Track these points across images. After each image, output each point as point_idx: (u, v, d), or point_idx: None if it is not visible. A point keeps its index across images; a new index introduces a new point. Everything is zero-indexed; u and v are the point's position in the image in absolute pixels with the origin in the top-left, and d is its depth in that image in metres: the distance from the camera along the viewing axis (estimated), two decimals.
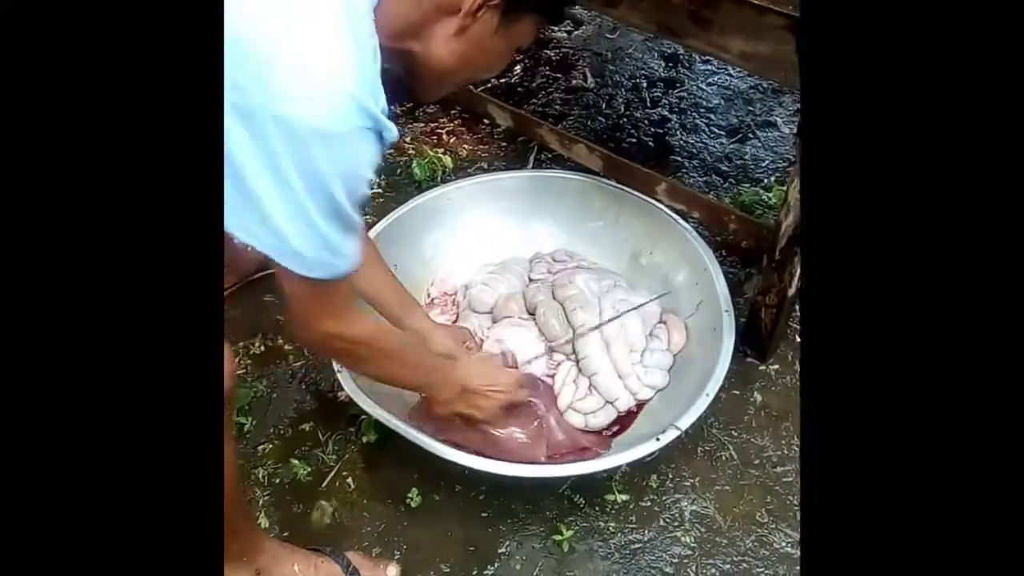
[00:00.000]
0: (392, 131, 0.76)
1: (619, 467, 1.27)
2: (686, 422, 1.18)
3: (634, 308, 1.36)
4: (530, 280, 1.50)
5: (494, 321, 1.43)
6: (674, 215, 1.44)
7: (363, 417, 1.32)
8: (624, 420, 1.32)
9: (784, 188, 1.37)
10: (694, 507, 1.26)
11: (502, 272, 1.49)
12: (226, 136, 0.70)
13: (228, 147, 0.71)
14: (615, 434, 1.31)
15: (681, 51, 2.16)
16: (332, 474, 1.30)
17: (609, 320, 1.35)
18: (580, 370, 1.34)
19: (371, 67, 0.74)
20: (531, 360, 1.35)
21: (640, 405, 1.33)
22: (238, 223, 0.76)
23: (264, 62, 0.69)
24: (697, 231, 1.43)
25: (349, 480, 1.30)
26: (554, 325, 1.37)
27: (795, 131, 1.22)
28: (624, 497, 1.27)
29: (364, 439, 1.33)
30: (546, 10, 0.89)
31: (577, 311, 1.36)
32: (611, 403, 1.31)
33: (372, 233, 1.39)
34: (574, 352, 1.35)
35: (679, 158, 1.87)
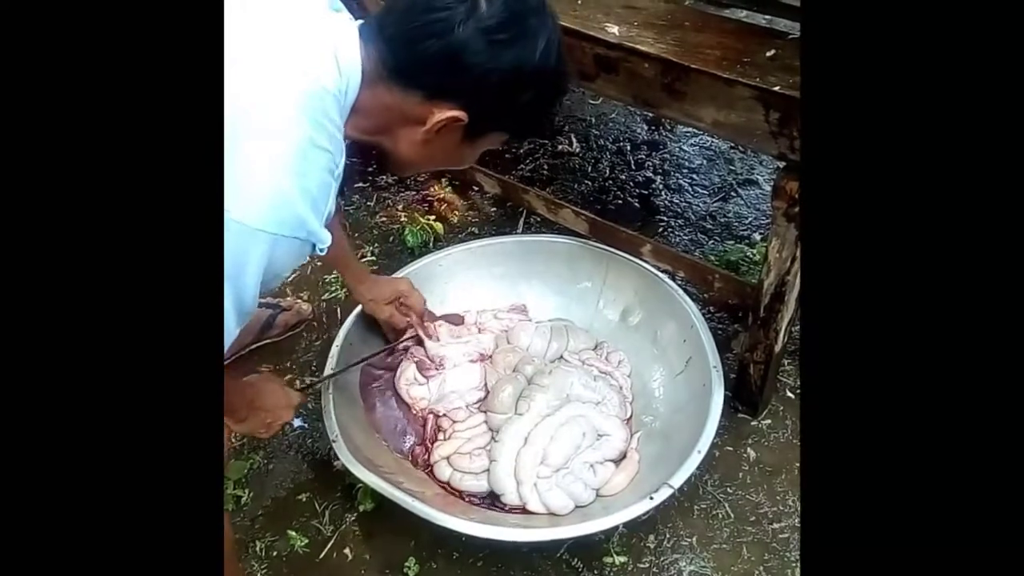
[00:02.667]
0: (325, 242, 0.80)
1: (616, 529, 1.28)
2: (679, 480, 1.18)
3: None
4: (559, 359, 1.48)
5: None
6: (660, 274, 1.48)
7: (359, 486, 1.33)
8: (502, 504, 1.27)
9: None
10: (692, 567, 1.26)
11: (552, 334, 1.50)
12: None
13: None
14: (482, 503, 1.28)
15: (659, 121, 2.23)
16: (329, 545, 1.30)
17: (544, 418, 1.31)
18: (491, 440, 1.32)
19: (322, 177, 0.79)
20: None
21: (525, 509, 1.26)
22: None
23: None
24: (683, 289, 1.46)
25: (346, 551, 1.30)
26: (503, 398, 1.35)
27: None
28: (622, 559, 1.27)
29: (360, 507, 1.33)
30: (511, 131, 0.94)
31: (535, 397, 1.33)
32: (495, 491, 1.28)
33: None
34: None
35: (665, 218, 1.91)
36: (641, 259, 1.49)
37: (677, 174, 2.05)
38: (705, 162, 2.08)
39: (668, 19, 1.18)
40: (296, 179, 0.75)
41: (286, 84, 0.77)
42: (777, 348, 1.35)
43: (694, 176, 2.04)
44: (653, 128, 2.21)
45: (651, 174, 2.05)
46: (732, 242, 1.82)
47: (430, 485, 1.29)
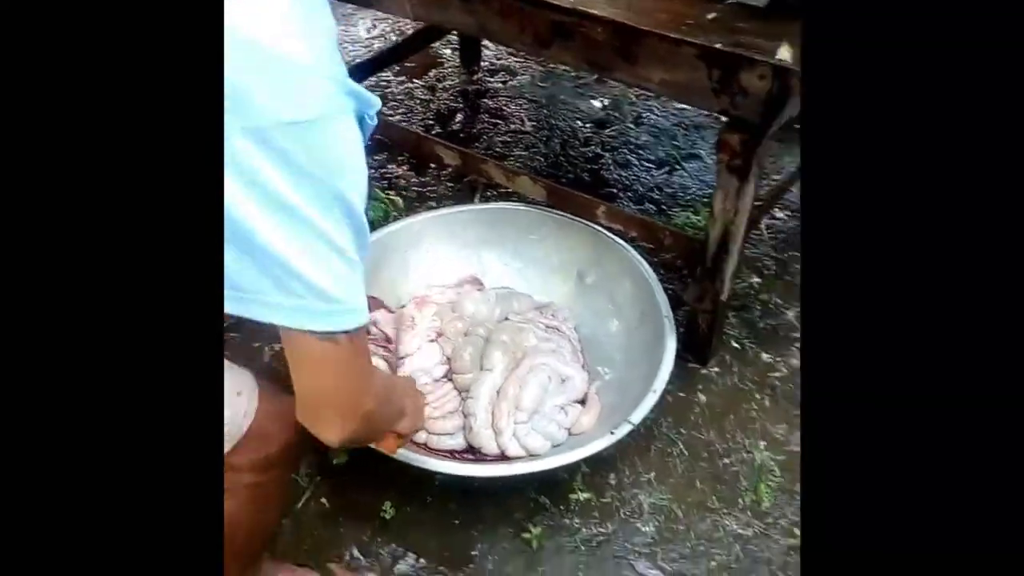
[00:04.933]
0: (377, 104, 0.72)
1: (579, 469, 1.36)
2: (637, 416, 1.27)
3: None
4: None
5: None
6: (613, 236, 1.57)
7: None
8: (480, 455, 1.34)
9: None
10: (651, 499, 1.35)
11: (496, 300, 1.56)
12: (229, 206, 0.65)
13: (231, 215, 0.65)
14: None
15: (607, 99, 2.33)
16: (306, 496, 1.35)
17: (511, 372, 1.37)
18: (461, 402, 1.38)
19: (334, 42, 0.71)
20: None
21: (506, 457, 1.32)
22: (255, 298, 0.70)
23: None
24: (635, 249, 1.56)
25: (323, 500, 1.35)
26: (465, 358, 1.42)
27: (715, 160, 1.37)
28: (586, 495, 1.35)
29: (335, 461, 1.38)
30: None
31: (494, 353, 1.40)
32: (473, 445, 1.34)
33: None
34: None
35: (614, 190, 2.01)
36: (596, 222, 1.58)
37: (624, 150, 2.15)
38: (651, 139, 2.19)
39: None
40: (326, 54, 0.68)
41: None
42: (723, 296, 1.46)
43: (641, 152, 2.15)
44: (601, 108, 2.31)
45: (600, 150, 2.15)
46: (678, 210, 1.93)
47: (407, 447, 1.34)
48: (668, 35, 1.17)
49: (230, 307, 0.71)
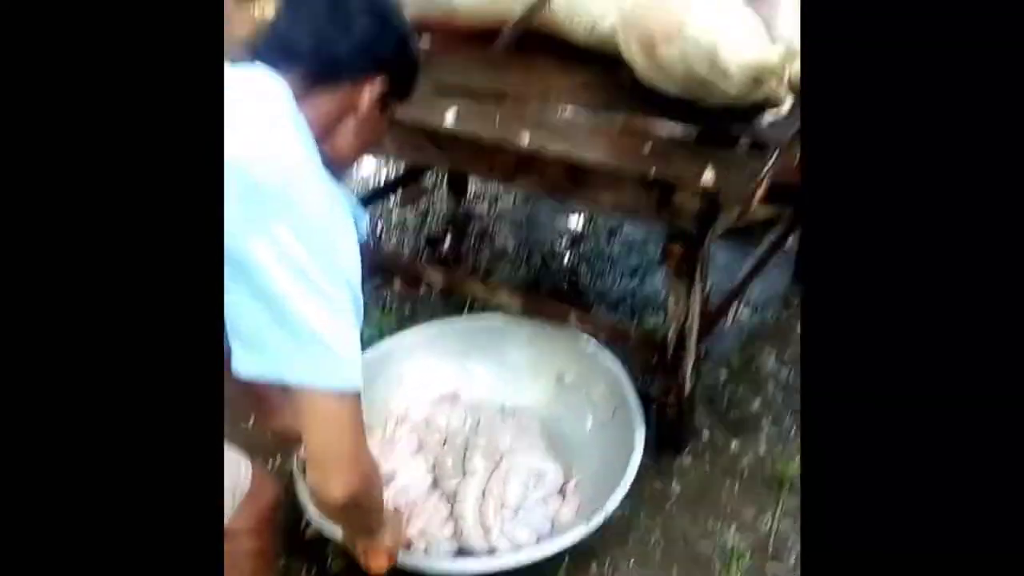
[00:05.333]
0: (360, 212, 0.98)
1: (562, 559, 1.45)
2: (610, 507, 1.39)
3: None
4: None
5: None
6: (588, 339, 1.72)
7: (328, 549, 1.48)
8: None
9: None
10: None
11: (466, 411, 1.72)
12: (260, 274, 0.85)
13: (262, 284, 0.85)
14: None
15: (584, 216, 2.55)
16: None
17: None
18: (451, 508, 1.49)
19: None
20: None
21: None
22: (284, 360, 0.89)
23: (254, 191, 0.87)
24: (609, 350, 1.71)
25: None
26: (448, 465, 1.56)
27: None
28: None
29: (333, 567, 1.48)
30: (407, 86, 1.13)
31: (474, 458, 1.54)
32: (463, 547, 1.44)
33: None
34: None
35: (591, 298, 2.19)
36: (569, 326, 1.74)
37: (599, 261, 2.34)
38: (624, 250, 2.39)
39: (567, 128, 1.49)
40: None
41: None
42: (686, 390, 1.59)
43: (615, 262, 2.34)
44: (579, 225, 2.52)
45: (577, 263, 2.34)
46: (649, 313, 2.10)
47: None
48: (612, 166, 1.37)
49: (257, 369, 0.90)
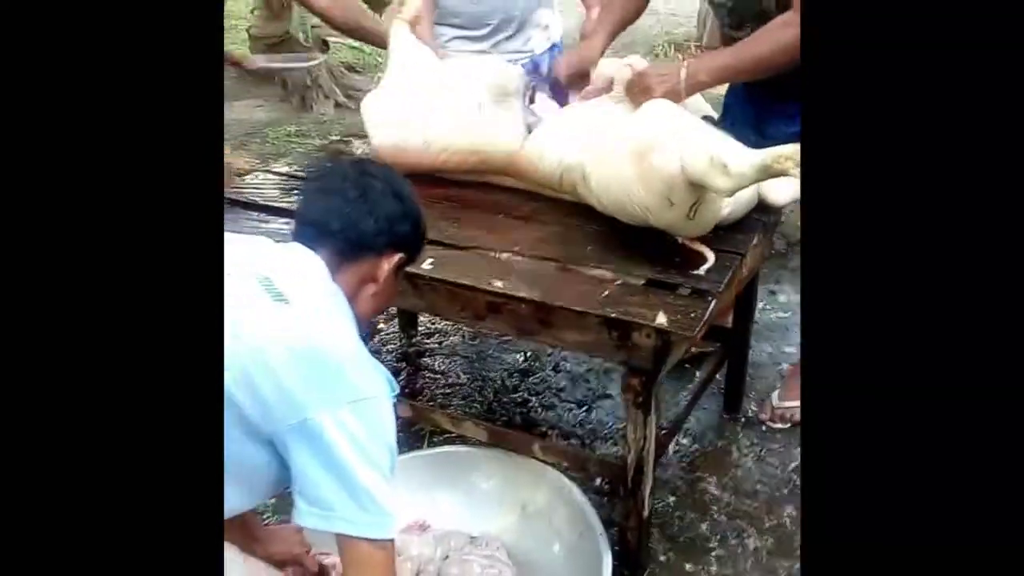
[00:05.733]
0: (395, 385, 1.17)
1: None
2: None
3: None
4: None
5: None
6: (548, 467, 1.85)
7: None
8: None
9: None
10: None
11: (435, 540, 1.77)
12: (328, 446, 1.05)
13: (329, 454, 1.05)
14: None
15: (529, 351, 2.72)
16: None
17: None
18: None
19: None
20: None
21: None
22: (341, 516, 1.07)
23: (320, 371, 1.08)
24: (568, 477, 1.83)
25: None
26: None
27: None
28: None
29: None
30: (415, 253, 1.36)
31: None
32: None
33: None
34: None
35: (543, 428, 2.32)
36: (532, 456, 1.86)
37: (547, 394, 2.50)
38: (569, 383, 2.56)
39: (534, 275, 1.68)
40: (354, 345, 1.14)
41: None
42: (645, 513, 1.72)
43: (561, 394, 2.50)
44: (523, 360, 2.69)
45: (527, 395, 2.49)
46: (599, 442, 2.24)
47: None
48: (577, 309, 1.56)
49: (319, 523, 1.09)
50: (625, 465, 1.70)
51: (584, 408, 2.43)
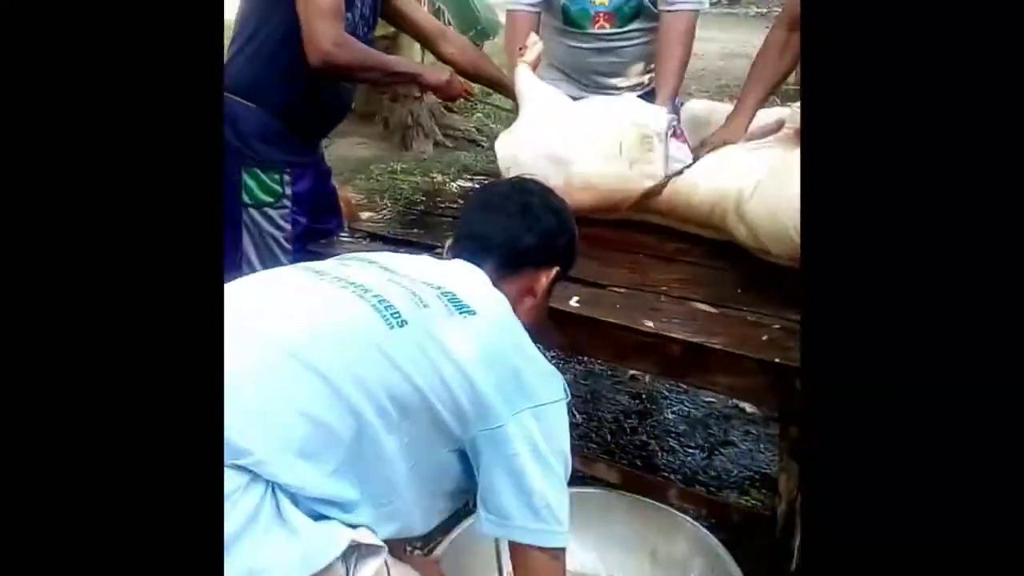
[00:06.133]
0: (567, 387, 1.20)
1: None
2: None
3: None
4: None
5: None
6: (684, 515, 1.79)
7: None
8: None
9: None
10: None
11: None
12: (511, 454, 1.07)
13: (511, 462, 1.07)
14: None
15: (643, 392, 2.68)
16: None
17: None
18: None
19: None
20: None
21: None
22: (518, 525, 1.08)
23: (508, 379, 1.11)
24: (706, 527, 1.77)
25: None
26: None
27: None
28: None
29: None
30: (569, 268, 1.40)
31: None
32: None
33: None
34: None
35: (665, 474, 2.26)
36: (668, 503, 1.81)
37: (668, 438, 2.44)
38: (688, 427, 2.50)
39: (683, 316, 1.65)
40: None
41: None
42: (792, 567, 1.64)
43: (681, 439, 2.44)
44: (638, 401, 2.64)
45: (646, 438, 2.44)
46: (726, 492, 2.17)
47: None
48: (736, 352, 1.52)
49: (498, 531, 1.11)
50: (774, 516, 1.63)
51: (706, 454, 2.36)
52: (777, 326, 1.59)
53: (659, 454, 2.36)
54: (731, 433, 2.45)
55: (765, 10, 9.23)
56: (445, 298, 1.17)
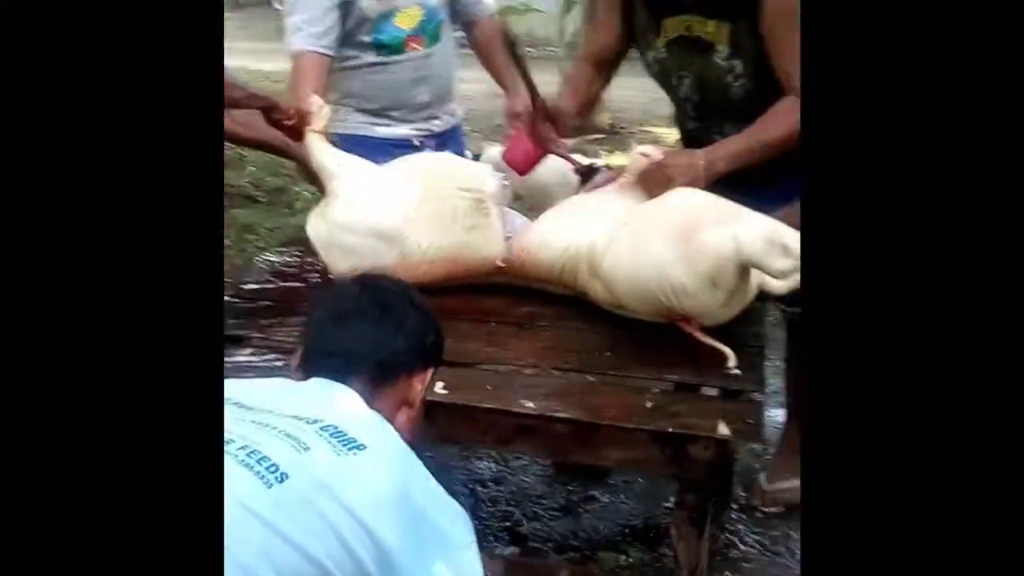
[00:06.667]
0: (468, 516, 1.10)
1: None
2: None
3: None
4: None
5: None
6: None
7: None
8: None
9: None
10: None
11: None
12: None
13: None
14: None
15: (493, 456, 2.54)
16: None
17: None
18: None
19: None
20: None
21: None
22: None
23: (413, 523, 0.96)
24: None
25: None
26: None
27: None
28: None
29: None
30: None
31: None
32: None
33: None
34: None
35: (536, 543, 2.14)
36: None
37: (528, 503, 2.32)
38: (546, 488, 2.40)
39: (561, 391, 1.55)
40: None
41: None
42: None
43: (543, 501, 2.33)
44: (497, 467, 2.50)
45: (507, 507, 2.30)
46: (602, 552, 2.09)
47: None
48: (627, 426, 1.44)
49: None
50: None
51: (569, 515, 2.27)
52: (656, 389, 1.54)
53: (523, 521, 2.23)
54: (591, 488, 2.39)
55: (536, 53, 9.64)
56: (327, 433, 0.98)
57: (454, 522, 1.03)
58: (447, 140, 2.40)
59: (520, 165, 2.00)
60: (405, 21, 2.18)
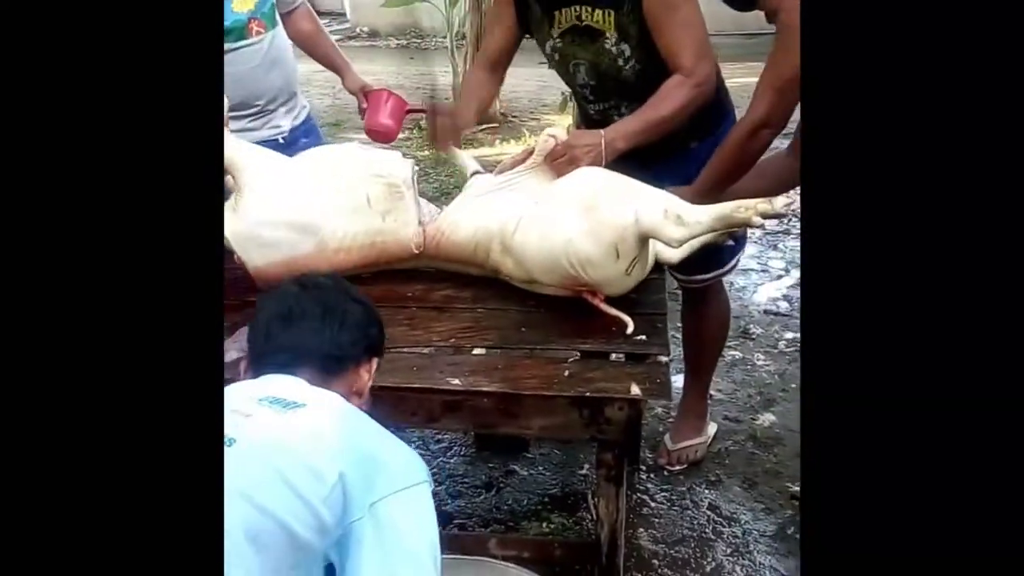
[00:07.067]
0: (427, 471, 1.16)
1: None
2: None
3: None
4: None
5: None
6: (509, 564, 1.76)
7: None
8: None
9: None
10: None
11: None
12: (376, 553, 0.98)
13: (379, 562, 0.97)
14: None
15: (416, 440, 2.59)
16: None
17: None
18: None
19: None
20: None
21: None
22: None
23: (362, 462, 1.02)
24: (531, 570, 1.76)
25: None
26: None
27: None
28: None
29: None
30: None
31: None
32: None
33: None
34: None
35: (461, 519, 2.21)
36: (490, 555, 1.76)
37: (451, 482, 2.39)
38: (468, 466, 2.47)
39: (485, 367, 1.63)
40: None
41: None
42: None
43: (465, 480, 2.41)
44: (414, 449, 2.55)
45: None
46: (526, 523, 2.19)
47: None
48: (548, 394, 1.53)
49: None
50: (598, 542, 1.68)
51: (493, 491, 2.36)
52: (571, 359, 1.64)
53: (447, 501, 2.30)
54: (512, 463, 2.48)
55: (405, 43, 9.53)
56: (267, 402, 1.05)
57: (407, 462, 1.08)
58: (308, 131, 2.43)
59: (384, 130, 2.15)
60: (241, 5, 2.18)
